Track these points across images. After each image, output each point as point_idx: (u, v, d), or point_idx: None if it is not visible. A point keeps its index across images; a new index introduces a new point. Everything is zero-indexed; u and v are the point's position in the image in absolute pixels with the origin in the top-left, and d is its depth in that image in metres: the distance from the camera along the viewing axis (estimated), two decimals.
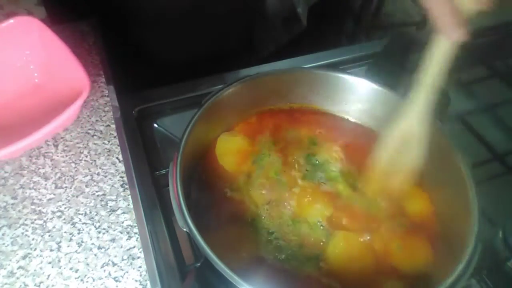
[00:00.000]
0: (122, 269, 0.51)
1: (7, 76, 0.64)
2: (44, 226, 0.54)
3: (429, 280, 0.52)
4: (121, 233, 0.54)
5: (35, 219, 0.55)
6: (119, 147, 0.63)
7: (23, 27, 0.62)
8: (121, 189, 0.59)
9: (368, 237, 0.55)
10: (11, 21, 0.62)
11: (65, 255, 0.52)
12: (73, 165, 0.61)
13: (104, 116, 0.66)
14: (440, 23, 0.43)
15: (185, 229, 0.47)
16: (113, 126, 0.65)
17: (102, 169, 0.60)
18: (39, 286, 0.50)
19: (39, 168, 0.60)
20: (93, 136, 0.64)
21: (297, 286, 0.51)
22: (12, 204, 0.56)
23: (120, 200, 0.57)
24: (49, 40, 0.61)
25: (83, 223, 0.55)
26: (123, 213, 0.56)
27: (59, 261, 0.52)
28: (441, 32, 0.44)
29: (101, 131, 0.65)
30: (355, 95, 0.66)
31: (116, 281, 0.50)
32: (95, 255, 0.52)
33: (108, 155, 0.62)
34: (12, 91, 0.64)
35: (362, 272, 0.53)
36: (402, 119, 0.52)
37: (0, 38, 0.62)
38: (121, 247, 0.53)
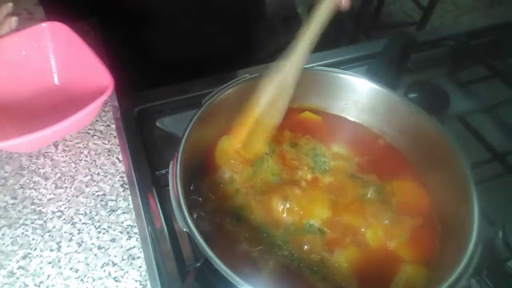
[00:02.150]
0: (122, 269, 0.51)
1: (28, 77, 0.64)
2: (44, 226, 0.54)
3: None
4: (121, 233, 0.54)
5: (35, 219, 0.55)
6: (119, 147, 0.63)
7: (51, 32, 0.63)
8: (121, 189, 0.59)
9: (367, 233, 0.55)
10: (43, 25, 0.62)
11: (65, 255, 0.52)
12: (73, 165, 0.61)
13: (104, 116, 0.66)
14: None
15: (185, 229, 0.47)
16: (113, 126, 0.65)
17: (102, 169, 0.60)
18: (39, 286, 0.50)
19: (39, 168, 0.60)
20: (93, 136, 0.64)
21: (298, 286, 0.51)
22: (12, 204, 0.56)
23: (120, 200, 0.57)
24: (76, 46, 0.61)
25: (83, 223, 0.55)
26: (123, 213, 0.56)
27: (59, 261, 0.52)
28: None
29: (101, 131, 0.65)
30: (355, 95, 0.66)
31: (116, 281, 0.50)
32: (95, 255, 0.52)
33: (108, 155, 0.62)
34: (32, 91, 0.64)
35: (370, 267, 0.53)
36: (283, 67, 0.57)
37: (28, 40, 0.62)
38: (121, 247, 0.53)
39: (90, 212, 0.56)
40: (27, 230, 0.54)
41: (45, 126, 0.51)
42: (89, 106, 0.53)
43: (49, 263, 0.51)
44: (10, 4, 0.58)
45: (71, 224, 0.55)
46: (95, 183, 0.59)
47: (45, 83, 0.65)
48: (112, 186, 0.59)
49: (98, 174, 0.60)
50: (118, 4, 0.80)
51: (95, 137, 0.64)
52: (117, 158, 0.62)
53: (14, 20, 0.58)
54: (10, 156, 0.61)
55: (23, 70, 0.63)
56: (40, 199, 0.57)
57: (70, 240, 0.53)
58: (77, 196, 0.57)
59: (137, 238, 0.54)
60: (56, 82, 0.65)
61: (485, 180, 0.61)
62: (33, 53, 0.63)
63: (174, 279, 0.53)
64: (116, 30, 0.82)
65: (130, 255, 0.53)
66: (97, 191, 0.58)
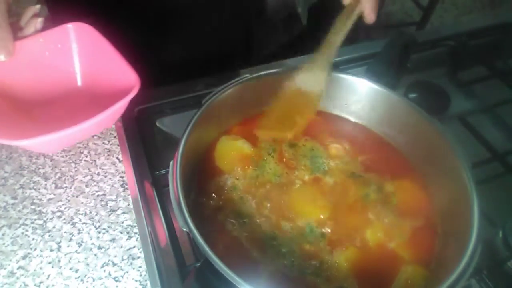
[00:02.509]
0: (122, 269, 0.51)
1: (52, 77, 0.62)
2: (44, 226, 0.54)
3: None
4: (121, 233, 0.55)
5: (35, 219, 0.55)
6: (119, 147, 0.63)
7: (76, 33, 0.62)
8: (121, 189, 0.59)
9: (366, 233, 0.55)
10: (68, 26, 0.61)
11: (65, 255, 0.52)
12: (73, 165, 0.61)
13: None
14: (365, 7, 0.58)
15: (185, 229, 0.47)
16: (113, 126, 0.65)
17: (102, 169, 0.60)
18: (39, 286, 0.50)
19: (39, 168, 0.60)
20: (93, 136, 0.64)
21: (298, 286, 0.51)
22: (12, 204, 0.56)
23: (120, 200, 0.57)
24: (100, 47, 0.60)
25: (83, 223, 0.55)
26: (123, 213, 0.56)
27: (59, 261, 0.52)
28: (361, 10, 0.59)
29: (101, 131, 0.65)
30: (355, 95, 0.66)
31: (116, 281, 0.50)
32: (95, 255, 0.52)
33: (108, 155, 0.62)
34: (55, 92, 0.62)
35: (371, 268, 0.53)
36: (310, 67, 0.62)
37: (52, 41, 0.61)
38: (121, 247, 0.53)
39: (90, 212, 0.56)
40: (27, 230, 0.54)
41: (68, 126, 0.49)
42: (113, 106, 0.52)
43: (49, 263, 0.51)
44: (38, 6, 0.57)
45: (71, 224, 0.55)
46: (95, 183, 0.59)
47: (68, 84, 0.63)
48: (112, 186, 0.59)
49: (98, 174, 0.60)
50: (119, 5, 0.80)
51: (95, 137, 0.64)
52: (117, 158, 0.62)
53: (39, 21, 0.57)
54: (10, 156, 0.61)
55: (46, 70, 0.62)
56: (40, 199, 0.57)
57: (70, 240, 0.53)
58: (77, 196, 0.57)
59: (137, 238, 0.54)
60: (79, 83, 0.64)
61: (485, 180, 0.61)
62: (56, 54, 0.62)
63: (174, 279, 0.53)
64: (116, 30, 0.82)
65: (130, 255, 0.53)
66: (97, 191, 0.58)
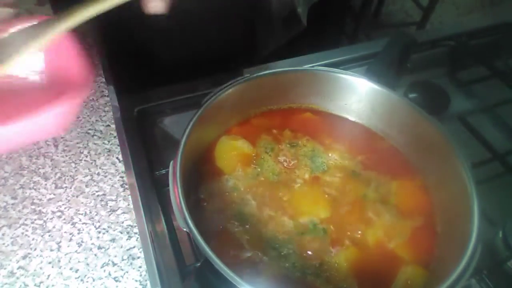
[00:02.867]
0: (122, 269, 0.51)
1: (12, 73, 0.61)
2: (44, 226, 0.54)
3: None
4: (121, 233, 0.54)
5: (35, 219, 0.55)
6: (119, 147, 0.63)
7: None
8: (121, 189, 0.59)
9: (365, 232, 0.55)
10: (35, 23, 0.60)
11: (65, 255, 0.52)
12: (73, 165, 0.61)
13: (104, 116, 0.66)
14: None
15: (185, 229, 0.47)
16: (113, 126, 0.65)
17: (102, 169, 0.60)
18: (39, 286, 0.50)
19: (39, 168, 0.60)
20: (93, 136, 0.64)
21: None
22: (12, 204, 0.56)
23: (120, 200, 0.57)
24: (65, 46, 0.59)
25: (83, 223, 0.55)
26: (123, 213, 0.56)
27: (59, 261, 0.52)
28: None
29: (101, 131, 0.65)
30: (355, 95, 0.66)
31: (116, 281, 0.50)
32: (95, 255, 0.52)
33: (108, 155, 0.62)
34: (9, 87, 0.61)
35: (370, 268, 0.53)
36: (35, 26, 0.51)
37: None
38: (121, 247, 0.53)
39: (90, 212, 0.56)
40: (27, 230, 0.54)
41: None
42: (45, 113, 0.47)
43: (49, 263, 0.51)
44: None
45: (71, 224, 0.55)
46: (95, 183, 0.59)
47: (25, 79, 0.62)
48: (112, 186, 0.59)
49: (98, 174, 0.60)
50: (119, 4, 0.80)
51: (95, 137, 0.64)
52: (117, 158, 0.62)
53: (6, 11, 0.57)
54: (10, 156, 0.61)
55: None
56: (40, 199, 0.57)
57: (70, 240, 0.53)
58: (77, 196, 0.57)
59: (137, 238, 0.54)
60: (40, 80, 0.63)
61: (485, 180, 0.61)
62: None
63: (174, 279, 0.53)
64: (117, 30, 0.82)
65: (130, 255, 0.53)
66: (97, 191, 0.58)
